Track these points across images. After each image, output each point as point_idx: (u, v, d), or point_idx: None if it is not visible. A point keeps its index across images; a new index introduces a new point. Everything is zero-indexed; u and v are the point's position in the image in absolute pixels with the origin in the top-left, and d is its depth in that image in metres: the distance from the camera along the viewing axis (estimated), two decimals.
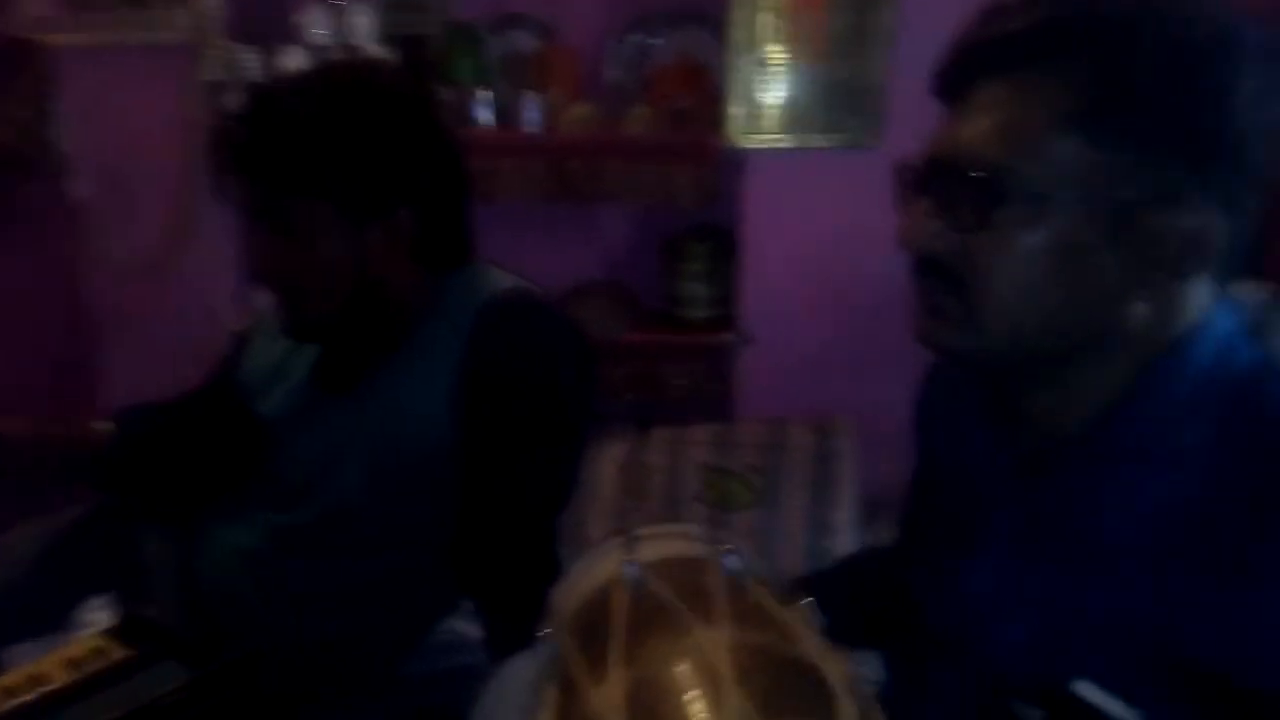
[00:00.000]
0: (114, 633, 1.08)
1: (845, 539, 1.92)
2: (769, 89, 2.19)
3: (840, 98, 2.19)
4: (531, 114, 2.27)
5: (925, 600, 0.85)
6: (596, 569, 0.78)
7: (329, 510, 1.13)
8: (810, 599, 0.74)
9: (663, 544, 0.78)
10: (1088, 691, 0.68)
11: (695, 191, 2.22)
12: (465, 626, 1.56)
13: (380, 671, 1.32)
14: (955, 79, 0.73)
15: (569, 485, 1.16)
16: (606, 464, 2.10)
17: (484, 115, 2.27)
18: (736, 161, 2.25)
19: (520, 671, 0.89)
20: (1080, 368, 0.72)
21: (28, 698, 0.97)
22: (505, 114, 2.28)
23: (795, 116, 2.21)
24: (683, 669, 0.65)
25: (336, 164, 1.03)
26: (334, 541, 1.14)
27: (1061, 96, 0.67)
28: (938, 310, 0.73)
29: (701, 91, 2.27)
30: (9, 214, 2.44)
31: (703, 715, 0.62)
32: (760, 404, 2.26)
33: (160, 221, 2.41)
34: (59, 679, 1.00)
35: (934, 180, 0.72)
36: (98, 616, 1.22)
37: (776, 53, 2.17)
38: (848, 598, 0.94)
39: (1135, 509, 0.70)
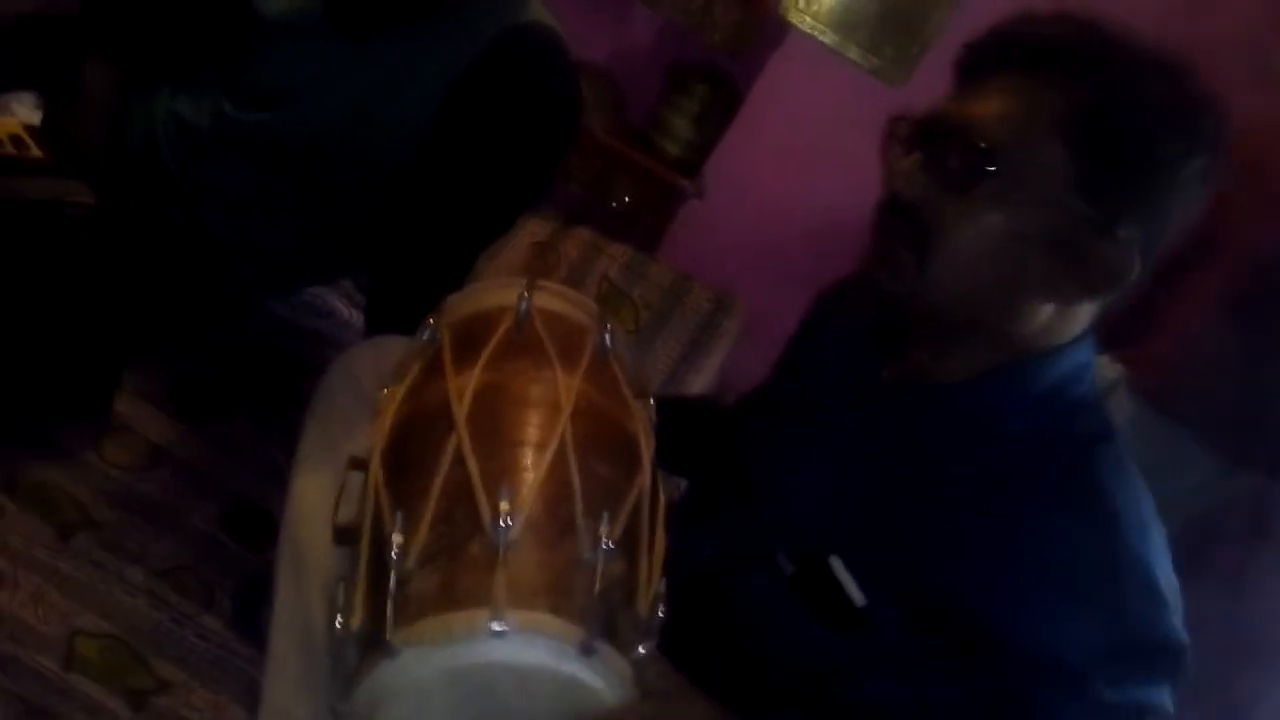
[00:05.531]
0: (34, 131, 1.10)
1: None
2: None
3: (893, 27, 2.21)
4: None
5: (747, 457, 0.98)
6: (495, 293, 0.87)
7: (283, 129, 1.15)
8: (650, 402, 0.86)
9: (558, 301, 0.87)
10: (837, 567, 0.82)
11: (729, 35, 2.23)
12: (337, 302, 1.65)
13: (252, 294, 1.39)
14: (980, 60, 0.81)
15: (504, 224, 1.22)
16: (524, 235, 2.17)
17: None
18: (777, 31, 2.26)
19: (390, 346, 0.98)
20: (968, 338, 0.83)
21: None
22: None
23: (847, 21, 2.22)
24: (534, 390, 0.76)
25: None
26: (272, 158, 1.17)
27: (1064, 107, 0.75)
28: (888, 256, 0.81)
29: None
30: None
31: (532, 429, 0.73)
32: (681, 253, 2.36)
33: None
34: None
35: (933, 138, 0.80)
36: (21, 109, 1.24)
37: None
38: (680, 423, 1.06)
39: (945, 459, 0.83)
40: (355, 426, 0.93)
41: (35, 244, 1.01)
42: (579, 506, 0.67)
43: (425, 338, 0.84)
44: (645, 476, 0.75)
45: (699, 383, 2.10)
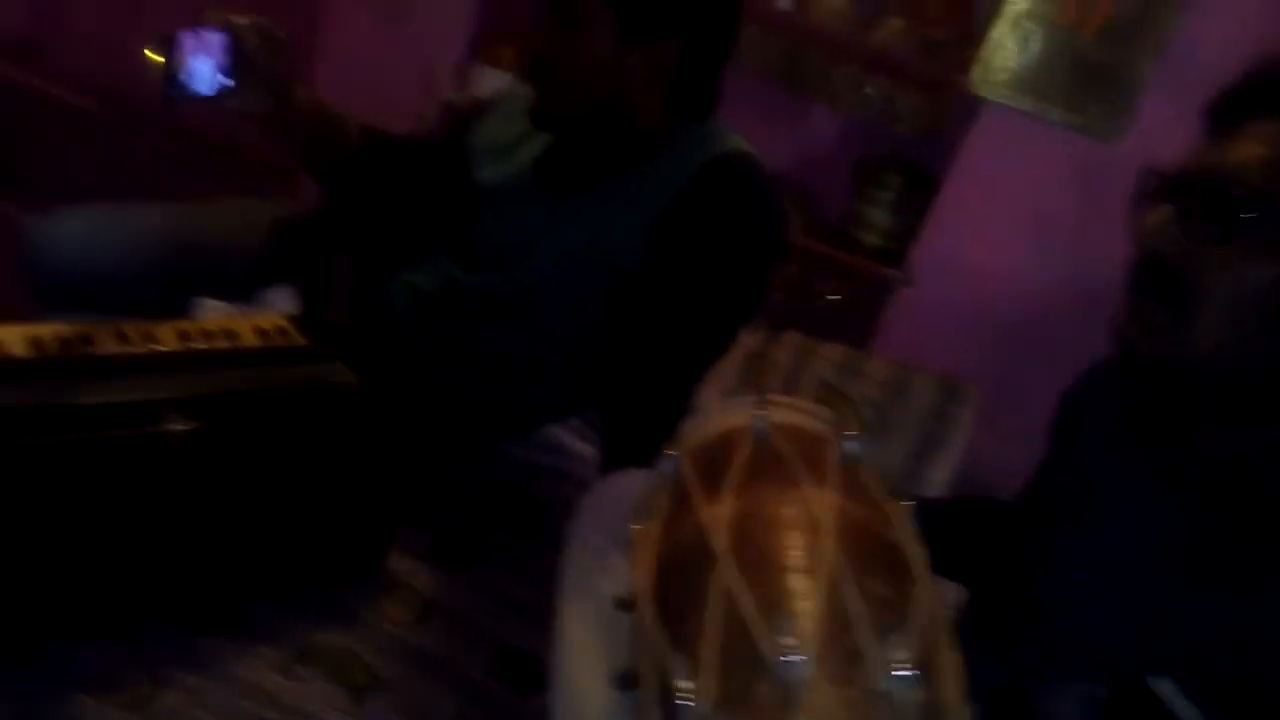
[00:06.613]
0: (295, 321, 1.22)
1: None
2: (1026, 44, 2.12)
3: (1094, 79, 2.11)
4: None
5: (1030, 569, 0.90)
6: (728, 415, 0.86)
7: (507, 287, 1.23)
8: (912, 503, 0.81)
9: (791, 413, 0.85)
10: (1163, 688, 0.73)
11: (917, 122, 2.20)
12: (567, 437, 1.69)
13: (492, 442, 1.46)
14: (1234, 105, 0.76)
15: (722, 345, 1.23)
16: (736, 349, 2.18)
17: None
18: (967, 107, 2.21)
19: (632, 480, 0.99)
20: (1255, 409, 0.75)
21: (224, 345, 1.13)
22: None
23: (1039, 84, 2.14)
24: (789, 511, 0.73)
25: None
26: (500, 314, 1.24)
27: None
28: (1144, 318, 0.77)
29: (960, 25, 2.22)
30: None
31: (797, 552, 0.70)
32: (897, 345, 2.29)
33: None
34: (249, 340, 1.15)
35: (1186, 191, 0.75)
36: (281, 302, 1.38)
37: (1046, 11, 2.09)
38: (947, 524, 1.00)
39: (1262, 545, 0.73)
40: (611, 564, 0.93)
41: (308, 424, 1.10)
42: (864, 632, 0.62)
43: (667, 471, 0.84)
44: (923, 588, 0.70)
45: (938, 478, 1.99)
